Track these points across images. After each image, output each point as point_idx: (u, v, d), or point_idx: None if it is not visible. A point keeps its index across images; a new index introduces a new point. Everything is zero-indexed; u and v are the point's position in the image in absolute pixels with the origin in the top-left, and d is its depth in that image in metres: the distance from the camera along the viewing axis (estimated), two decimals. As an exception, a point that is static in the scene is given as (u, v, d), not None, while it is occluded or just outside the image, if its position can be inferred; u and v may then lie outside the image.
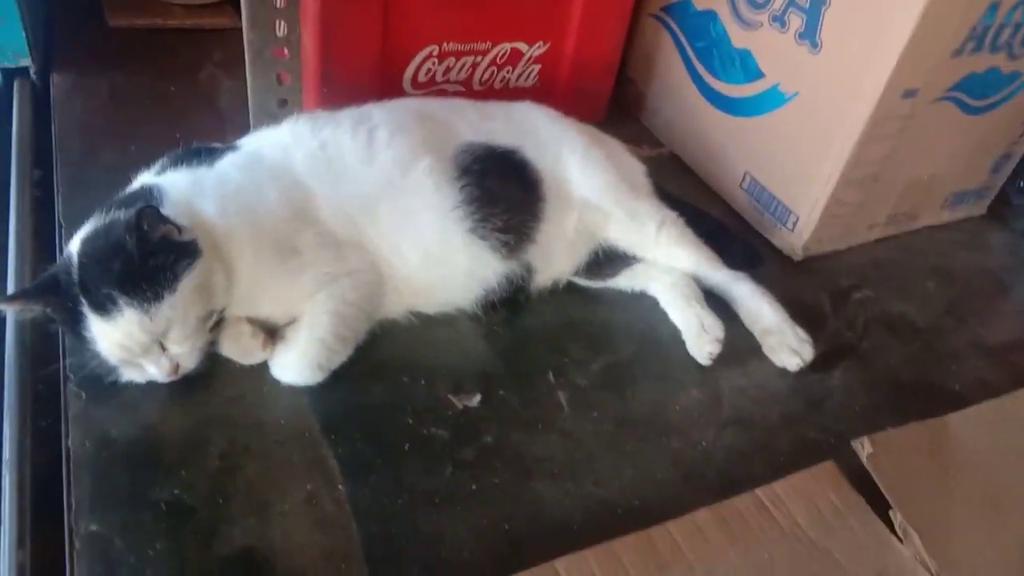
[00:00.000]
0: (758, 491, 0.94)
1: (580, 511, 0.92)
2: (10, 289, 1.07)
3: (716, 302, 1.17)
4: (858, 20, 1.15)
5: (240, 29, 1.62)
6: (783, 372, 1.13)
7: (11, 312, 0.94)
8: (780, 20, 1.26)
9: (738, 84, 1.37)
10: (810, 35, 1.22)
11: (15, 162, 1.23)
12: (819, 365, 1.13)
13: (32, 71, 1.42)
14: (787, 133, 1.30)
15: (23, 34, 1.36)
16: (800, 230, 1.31)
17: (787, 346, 1.13)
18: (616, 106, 1.60)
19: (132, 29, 1.59)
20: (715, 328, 1.11)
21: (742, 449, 1.03)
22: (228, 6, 1.69)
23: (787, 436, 1.06)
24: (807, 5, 1.21)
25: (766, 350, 1.15)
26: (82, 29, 1.57)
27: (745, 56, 1.34)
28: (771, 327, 1.15)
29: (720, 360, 1.11)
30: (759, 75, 1.32)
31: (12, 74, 1.42)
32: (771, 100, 1.31)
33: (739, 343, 1.14)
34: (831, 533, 0.91)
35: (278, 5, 1.13)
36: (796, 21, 1.24)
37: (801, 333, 1.14)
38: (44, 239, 1.15)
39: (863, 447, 0.98)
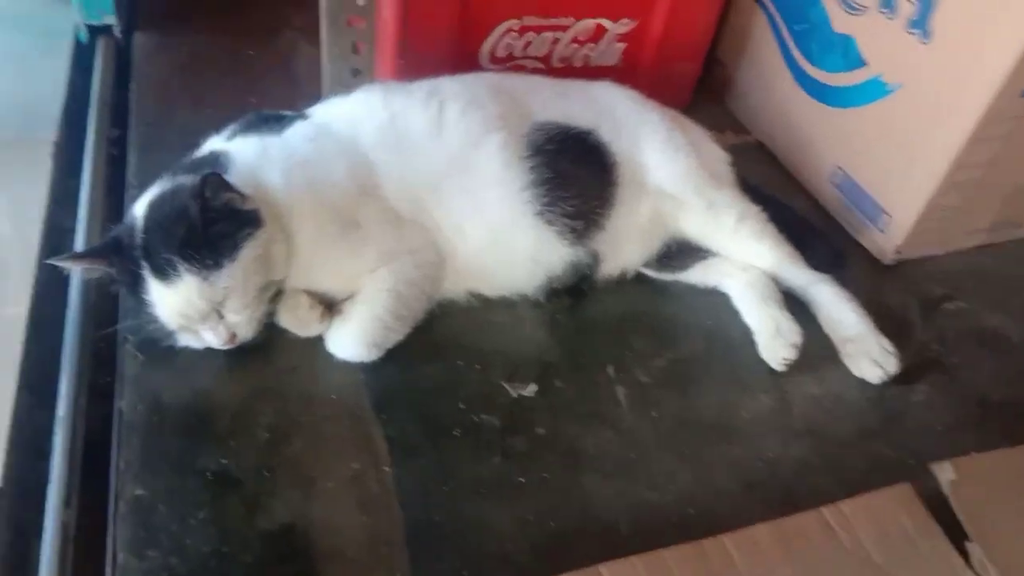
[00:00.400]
0: (824, 509, 0.88)
1: (630, 514, 0.88)
2: (79, 245, 1.09)
3: (793, 303, 1.10)
4: (977, 11, 1.05)
5: (322, -5, 1.63)
6: (862, 383, 1.05)
7: (76, 270, 0.96)
8: (889, 5, 1.16)
9: (836, 72, 1.27)
10: (922, 24, 1.12)
11: (93, 119, 1.25)
12: (902, 378, 1.05)
13: (117, 30, 1.44)
14: (887, 127, 1.20)
15: (109, -8, 1.38)
16: (893, 231, 1.22)
17: (869, 356, 1.05)
18: (700, 88, 1.51)
19: (216, -8, 1.60)
20: (792, 332, 1.04)
21: (811, 462, 0.97)
22: (312, -29, 1.68)
23: (861, 452, 0.99)
24: (921, -11, 1.11)
25: (845, 358, 1.07)
26: (168, -10, 1.59)
27: (847, 42, 1.24)
28: (853, 334, 1.07)
29: (793, 366, 1.04)
30: (861, 63, 1.23)
31: (97, 32, 1.44)
32: (872, 91, 1.22)
33: (815, 349, 1.07)
34: (901, 560, 0.84)
35: (355, -29, 1.10)
36: (907, 8, 1.14)
37: (886, 343, 1.06)
38: (116, 197, 1.16)
39: (944, 471, 0.91)
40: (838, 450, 0.98)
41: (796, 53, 1.36)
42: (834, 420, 1.01)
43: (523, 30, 1.29)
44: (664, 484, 0.91)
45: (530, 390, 0.99)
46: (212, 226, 0.87)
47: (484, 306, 1.08)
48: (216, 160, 0.96)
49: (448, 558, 0.82)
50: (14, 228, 1.07)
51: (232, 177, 0.91)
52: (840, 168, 1.30)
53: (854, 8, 1.23)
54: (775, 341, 1.05)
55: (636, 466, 0.93)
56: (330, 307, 1.00)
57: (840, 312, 1.09)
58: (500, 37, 1.29)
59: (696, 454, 0.95)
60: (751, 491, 0.93)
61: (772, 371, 1.05)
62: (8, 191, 1.12)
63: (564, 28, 1.31)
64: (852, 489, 0.90)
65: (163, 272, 0.86)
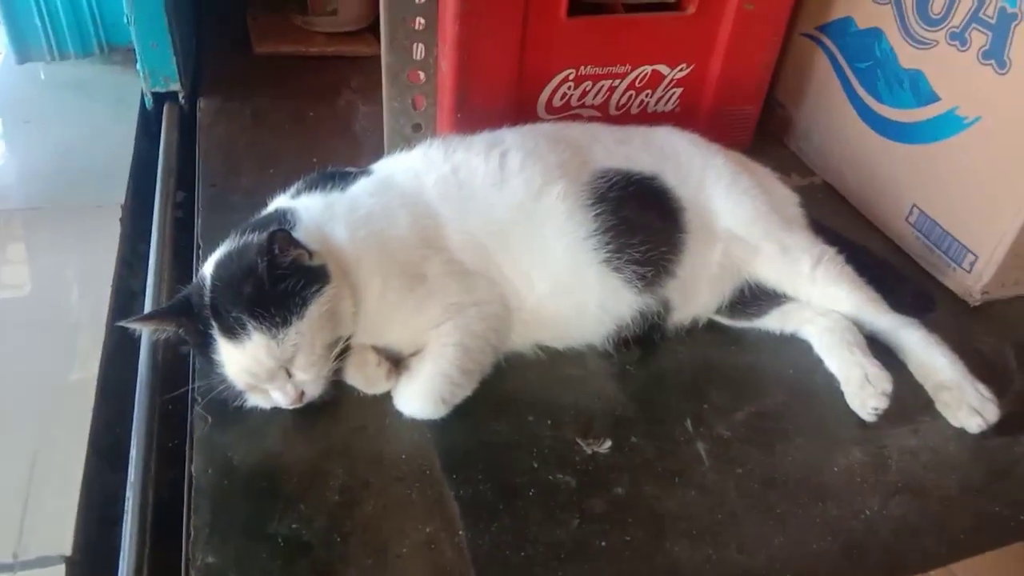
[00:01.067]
0: (934, 573, 0.81)
1: (722, 580, 0.82)
2: (147, 306, 1.09)
3: (878, 350, 1.05)
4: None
5: (378, 57, 1.66)
6: (961, 434, 0.99)
7: (146, 332, 0.95)
8: (960, 38, 1.13)
9: (907, 109, 1.24)
10: (996, 54, 1.08)
11: (160, 183, 1.27)
12: (1004, 428, 0.98)
13: (181, 96, 1.48)
14: (966, 162, 1.15)
15: (174, 60, 1.42)
16: (979, 271, 1.16)
17: (967, 404, 0.99)
18: (761, 131, 1.49)
19: (276, 56, 1.64)
20: (881, 380, 0.99)
21: (913, 522, 0.90)
22: (368, 34, 1.72)
23: (967, 509, 0.92)
24: (994, 21, 1.07)
25: (940, 407, 1.01)
26: (229, 56, 1.64)
27: (916, 78, 1.21)
28: (947, 381, 1.01)
29: (886, 417, 0.98)
30: (933, 98, 1.19)
31: (162, 98, 1.48)
32: (947, 126, 1.17)
33: (907, 398, 1.01)
34: (1025, 630, 0.77)
35: (417, 28, 1.11)
36: (980, 39, 1.10)
37: (983, 390, 0.99)
38: (183, 259, 1.17)
39: (1065, 530, 0.83)
40: (942, 508, 0.92)
41: (861, 91, 1.33)
42: (934, 475, 0.95)
43: (579, 79, 1.28)
44: (755, 548, 0.86)
45: (605, 447, 0.95)
46: (280, 283, 0.86)
47: (552, 359, 1.04)
48: (283, 217, 0.96)
49: (528, 629, 0.77)
50: (84, 292, 1.07)
51: (299, 233, 0.91)
52: (917, 206, 1.25)
53: (922, 43, 1.19)
54: (864, 390, 0.99)
55: (724, 528, 0.87)
56: (397, 363, 0.98)
57: (931, 357, 1.03)
58: (557, 87, 1.28)
59: (788, 514, 0.89)
60: (850, 554, 0.86)
61: (862, 423, 0.99)
62: (78, 256, 1.13)
63: (621, 76, 1.30)
64: (959, 550, 0.85)
65: (232, 331, 0.85)
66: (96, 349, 0.99)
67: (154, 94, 1.46)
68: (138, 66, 1.42)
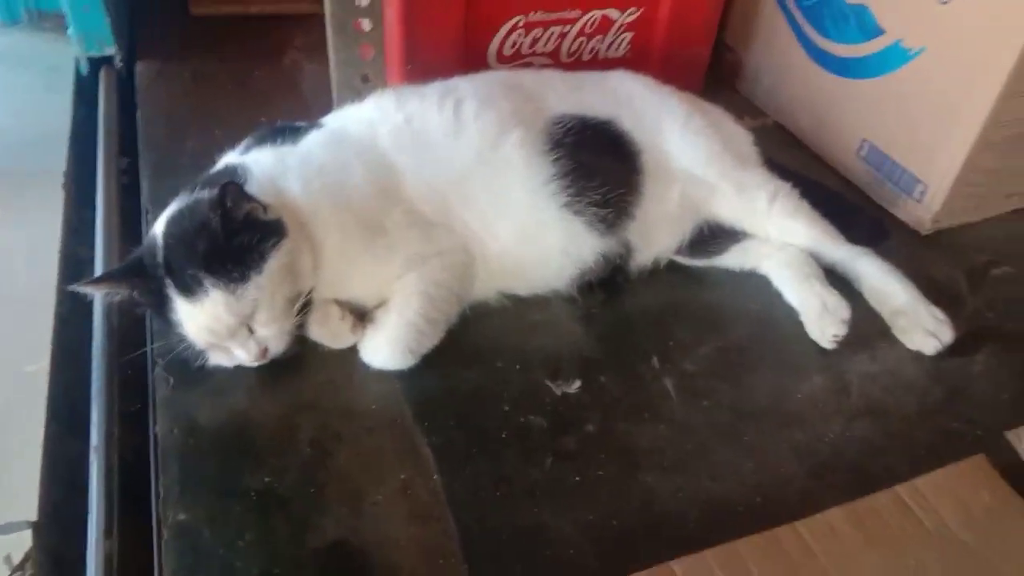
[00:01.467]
0: (898, 488, 0.84)
1: (696, 508, 0.84)
2: (97, 271, 1.06)
3: (835, 281, 1.07)
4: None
5: (321, 15, 1.61)
6: (918, 357, 1.01)
7: (98, 295, 0.92)
8: (903, -31, 1.14)
9: (853, 44, 1.25)
10: (939, -17, 1.10)
11: (102, 150, 1.23)
12: (958, 349, 1.01)
13: (117, 60, 1.42)
14: (912, 94, 1.17)
15: (108, 23, 1.36)
16: (929, 201, 1.19)
17: (922, 327, 1.01)
18: (711, 76, 1.49)
19: (214, 17, 1.59)
20: (840, 308, 1.01)
21: (875, 442, 0.92)
22: (309, -9, 1.67)
23: (926, 427, 0.95)
24: (936, -51, 1.09)
25: (897, 332, 1.03)
26: (165, 18, 1.58)
27: (861, 12, 1.22)
28: (903, 307, 1.03)
29: (845, 344, 1.00)
30: (878, 32, 1.20)
31: (98, 63, 1.42)
32: (893, 59, 1.19)
33: (864, 325, 1.03)
34: (986, 536, 0.80)
35: (361, -28, 1.08)
36: (922, -31, 1.11)
37: (937, 312, 1.02)
38: (131, 226, 1.13)
39: (1020, 439, 0.86)
40: (903, 427, 0.94)
41: (808, 29, 1.34)
42: (894, 397, 0.97)
43: (529, 26, 1.27)
44: (727, 474, 0.87)
45: (575, 387, 0.95)
46: (235, 237, 0.84)
47: (517, 306, 1.04)
48: (233, 173, 0.93)
49: (509, 567, 0.78)
50: (30, 261, 1.03)
51: (252, 188, 0.89)
52: (867, 141, 1.27)
53: (867, -23, 1.20)
54: (823, 319, 1.01)
55: (695, 458, 0.89)
56: (361, 316, 0.96)
57: (886, 284, 1.05)
58: (506, 35, 1.26)
59: (756, 441, 0.91)
60: (818, 475, 0.88)
61: (823, 351, 1.01)
62: (19, 226, 1.09)
63: (571, 21, 1.29)
64: (922, 466, 0.86)
65: (188, 289, 0.83)
66: (46, 315, 0.96)
67: (89, 59, 1.40)
68: (70, 31, 1.36)
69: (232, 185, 0.83)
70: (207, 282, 0.83)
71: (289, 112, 1.34)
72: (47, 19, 1.48)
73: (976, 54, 1.08)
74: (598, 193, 1.02)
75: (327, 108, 1.29)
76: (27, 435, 0.83)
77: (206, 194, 0.87)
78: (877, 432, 0.93)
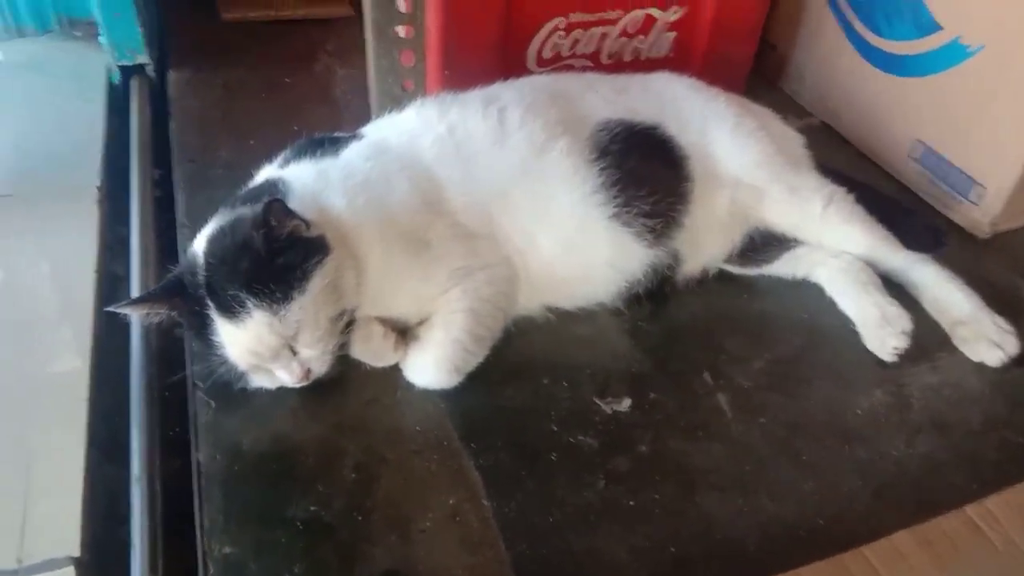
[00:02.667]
0: (967, 508, 0.80)
1: (756, 531, 0.81)
2: (134, 291, 1.04)
3: (891, 289, 1.03)
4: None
5: (353, 18, 1.59)
6: (981, 368, 0.98)
7: (136, 317, 0.90)
8: (961, -38, 1.09)
9: (908, 40, 1.20)
10: (1001, -23, 1.05)
11: (135, 161, 1.21)
12: (1022, 360, 0.97)
13: (149, 68, 1.41)
14: (970, 93, 1.13)
15: (139, 31, 1.34)
16: (988, 203, 1.14)
17: (985, 338, 0.97)
18: (753, 74, 1.44)
19: (245, 22, 1.57)
20: (900, 319, 0.97)
21: (940, 458, 0.89)
22: (340, -6, 1.64)
23: (992, 442, 0.91)
24: (998, -60, 1.04)
25: (958, 343, 0.99)
26: (195, 24, 1.56)
27: (916, 7, 1.17)
28: (964, 316, 0.99)
29: (904, 356, 0.97)
30: (935, 28, 1.15)
31: (130, 72, 1.41)
32: (950, 56, 1.14)
33: (924, 335, 0.99)
34: (1062, 559, 0.76)
35: (401, -23, 1.05)
36: (982, -39, 1.07)
37: (1001, 322, 0.98)
38: (167, 239, 1.11)
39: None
40: (968, 443, 0.91)
41: (859, 26, 1.29)
42: (958, 410, 0.94)
43: (569, 28, 1.23)
44: (786, 495, 0.84)
45: (625, 405, 0.92)
46: (278, 256, 0.81)
47: (562, 320, 1.01)
48: (274, 187, 0.91)
49: (563, 596, 0.75)
50: (64, 280, 1.02)
51: (293, 204, 0.86)
52: (921, 141, 1.22)
53: (922, -29, 1.16)
54: (882, 330, 0.97)
55: (753, 478, 0.85)
56: (404, 334, 0.94)
57: (947, 293, 1.01)
58: (546, 38, 1.23)
59: (815, 459, 0.88)
60: (881, 495, 0.85)
61: (880, 363, 0.98)
62: (54, 243, 1.07)
63: (612, 22, 1.25)
64: (989, 483, 0.83)
65: (230, 310, 0.81)
66: (83, 338, 0.94)
67: (121, 68, 1.38)
68: (102, 39, 1.35)
69: (276, 202, 0.81)
70: (250, 303, 0.80)
71: (323, 119, 1.32)
72: (78, 27, 1.46)
73: (1040, 51, 1.03)
74: (646, 203, 0.98)
75: (361, 113, 1.28)
76: (66, 464, 0.81)
77: (248, 211, 0.84)
78: (941, 448, 0.90)
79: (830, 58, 1.35)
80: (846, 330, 1.01)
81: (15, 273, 1.03)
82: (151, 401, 0.87)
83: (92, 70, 1.38)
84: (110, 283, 1.05)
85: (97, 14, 1.32)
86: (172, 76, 1.40)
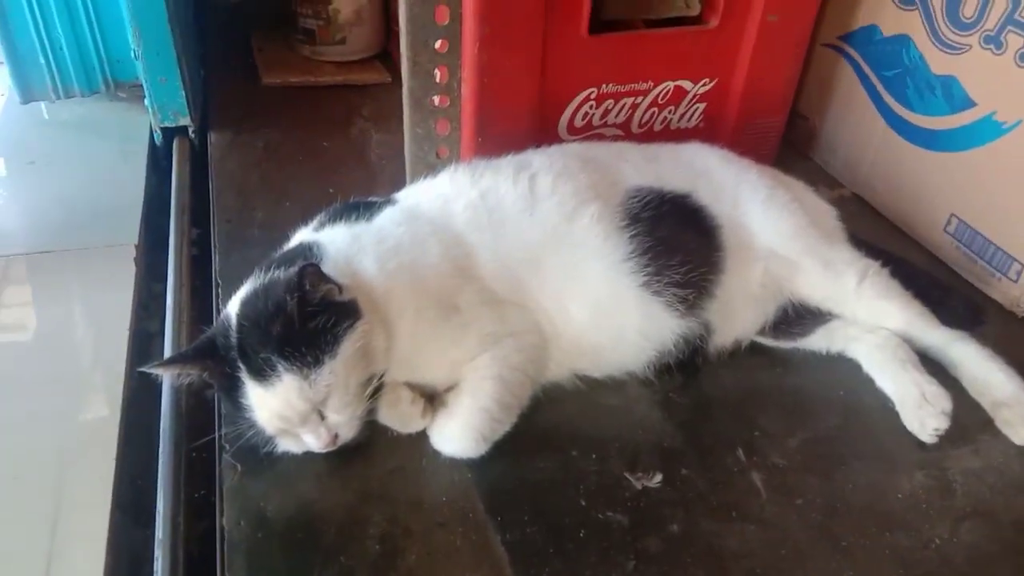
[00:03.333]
0: (1017, 605, 0.77)
1: (793, 622, 0.77)
2: (167, 348, 1.05)
3: (929, 367, 1.00)
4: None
5: (389, 84, 1.63)
6: (1024, 452, 0.94)
7: (167, 377, 0.90)
8: (995, 41, 1.10)
9: (940, 116, 1.20)
10: (1036, 55, 1.05)
11: (174, 221, 1.23)
12: (1067, 444, 0.94)
13: (191, 130, 1.44)
14: (1007, 168, 1.11)
15: (183, 94, 1.38)
16: (1026, 281, 1.12)
17: (1029, 421, 0.94)
18: (784, 145, 1.45)
19: (285, 87, 1.61)
20: (940, 398, 0.94)
21: (986, 549, 0.85)
22: (377, 61, 1.69)
23: (1042, 533, 0.87)
24: (1033, 21, 1.04)
25: (1001, 425, 0.96)
26: (237, 88, 1.61)
27: (949, 84, 1.17)
28: (1007, 398, 0.96)
29: (944, 437, 0.94)
30: (969, 104, 1.15)
31: (172, 133, 1.44)
32: (985, 131, 1.14)
33: (965, 416, 0.96)
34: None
35: (439, 50, 1.07)
36: (1016, 41, 1.07)
37: (1046, 405, 0.95)
38: (201, 297, 1.12)
39: None
40: (1014, 533, 0.87)
41: (889, 100, 1.29)
42: (1002, 497, 0.90)
43: (601, 98, 1.25)
44: (825, 584, 0.80)
45: (656, 481, 0.90)
46: (310, 321, 0.81)
47: (591, 389, 1.00)
48: (309, 251, 0.91)
49: None
50: (98, 336, 1.03)
51: (326, 267, 0.86)
52: (955, 216, 1.21)
53: (954, 48, 1.16)
54: (922, 410, 0.94)
55: (789, 564, 0.82)
56: (431, 399, 0.93)
57: (988, 373, 0.98)
58: (578, 107, 1.25)
59: (854, 546, 0.84)
60: (925, 586, 0.81)
61: (920, 444, 0.95)
62: (90, 299, 1.08)
63: (643, 93, 1.27)
64: (1038, 577, 0.79)
65: (261, 373, 0.81)
66: (113, 396, 0.94)
67: (163, 129, 1.42)
68: (146, 101, 1.39)
69: (311, 267, 0.81)
70: (280, 366, 0.80)
71: (358, 182, 1.34)
72: (123, 89, 1.51)
73: (1079, 129, 1.02)
74: (678, 272, 0.98)
75: (396, 177, 1.30)
76: (90, 526, 0.80)
77: (282, 274, 0.85)
78: (986, 538, 0.86)
79: (861, 131, 1.35)
80: (884, 409, 0.98)
81: (53, 327, 1.05)
82: (178, 463, 0.87)
83: (135, 131, 1.42)
84: (143, 340, 1.06)
85: (143, 78, 1.36)
86: (213, 138, 1.44)
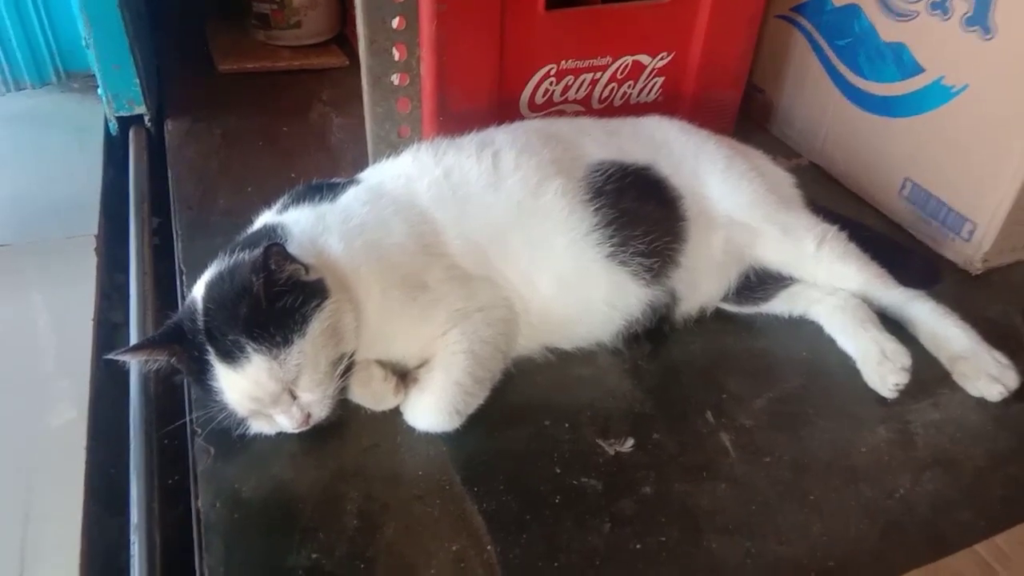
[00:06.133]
0: (978, 547, 0.80)
1: (765, 574, 0.80)
2: (133, 338, 1.04)
3: (888, 325, 1.03)
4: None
5: (347, 68, 1.62)
6: (982, 403, 0.97)
7: (135, 363, 0.90)
8: (941, 7, 1.12)
9: (891, 82, 1.23)
10: (980, 20, 1.08)
11: (133, 210, 1.21)
12: (1023, 393, 0.97)
13: (147, 119, 1.42)
14: (957, 131, 1.15)
15: (138, 82, 1.36)
16: (979, 239, 1.15)
17: (985, 373, 0.97)
18: (741, 117, 1.47)
19: (241, 73, 1.59)
20: (900, 355, 0.97)
21: (948, 496, 0.88)
22: (334, 45, 1.67)
23: (999, 479, 0.90)
24: (977, -15, 1.07)
25: (958, 378, 0.99)
26: (192, 75, 1.58)
27: (899, 50, 1.20)
28: (963, 351, 0.99)
29: (905, 392, 0.96)
30: (918, 70, 1.18)
31: (127, 122, 1.42)
32: (934, 96, 1.17)
33: (924, 371, 0.99)
34: (1076, 595, 0.75)
35: (396, 27, 1.07)
36: (962, 6, 1.10)
37: (1000, 357, 0.98)
38: (165, 286, 1.11)
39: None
40: (974, 479, 0.90)
41: (842, 68, 1.32)
42: (961, 447, 0.93)
43: (561, 74, 1.26)
44: (795, 537, 0.83)
45: (628, 446, 0.91)
46: (277, 301, 0.81)
47: (562, 360, 1.01)
48: (273, 232, 0.91)
49: (573, 643, 0.73)
50: (62, 328, 1.01)
51: (292, 248, 0.86)
52: (909, 179, 1.24)
53: (902, 15, 1.19)
54: (882, 367, 0.97)
55: (760, 520, 0.84)
56: (403, 376, 0.93)
57: (944, 329, 1.01)
58: (538, 83, 1.25)
59: (822, 500, 0.87)
60: (890, 534, 0.84)
61: (882, 400, 0.97)
62: (51, 291, 1.07)
63: (602, 68, 1.28)
64: (997, 520, 0.83)
65: (230, 355, 0.80)
66: (80, 387, 0.93)
67: (119, 119, 1.40)
68: (100, 91, 1.36)
69: (275, 247, 0.81)
70: (249, 347, 0.80)
71: (319, 166, 1.34)
72: (75, 79, 1.48)
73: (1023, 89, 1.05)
74: (642, 242, 0.99)
75: (357, 160, 1.29)
76: (65, 516, 0.79)
77: (247, 256, 0.84)
78: (948, 486, 0.89)
79: (816, 100, 1.38)
80: (846, 368, 1.01)
81: (14, 321, 1.03)
82: (150, 449, 0.86)
83: (90, 121, 1.39)
84: (108, 331, 1.05)
85: (95, 67, 1.33)
86: (169, 126, 1.41)
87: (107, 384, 0.96)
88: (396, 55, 1.10)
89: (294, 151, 1.38)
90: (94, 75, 1.37)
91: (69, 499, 0.81)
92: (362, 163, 1.26)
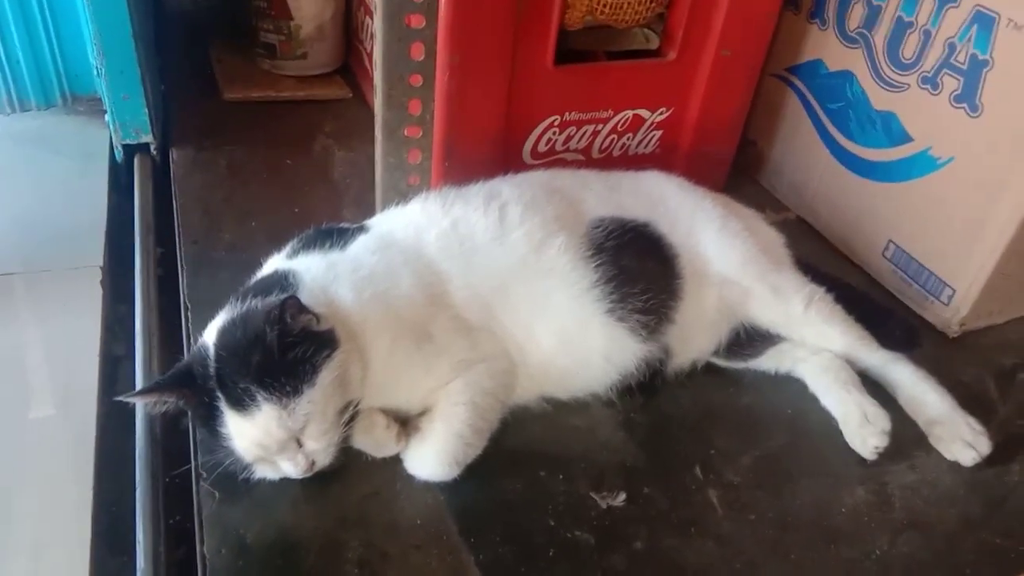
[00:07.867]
0: (949, 612, 0.84)
1: (748, 631, 0.83)
2: (137, 372, 1.05)
3: (868, 385, 1.07)
4: (1024, 81, 1.06)
5: (350, 100, 1.65)
6: (956, 467, 1.02)
7: (141, 405, 0.91)
8: (932, 82, 1.18)
9: (880, 148, 1.28)
10: (968, 98, 1.13)
11: (139, 242, 1.22)
12: (994, 458, 1.01)
13: (152, 147, 1.43)
14: (941, 200, 1.20)
15: (146, 112, 1.37)
16: (957, 304, 1.20)
17: (960, 438, 1.02)
18: (733, 168, 1.52)
19: (246, 102, 1.61)
20: (880, 418, 1.01)
21: (921, 558, 0.92)
22: (338, 76, 1.70)
23: (970, 542, 0.95)
24: (966, 67, 1.12)
25: (934, 441, 1.04)
26: (197, 103, 1.60)
27: (888, 119, 1.25)
28: (939, 416, 1.04)
29: (883, 453, 1.00)
30: (906, 139, 1.23)
31: (133, 150, 1.43)
32: (921, 165, 1.22)
33: (902, 433, 1.03)
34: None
35: (413, 83, 1.10)
36: (951, 83, 1.15)
37: (974, 423, 1.03)
38: (168, 320, 1.12)
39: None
40: (946, 543, 0.94)
41: (833, 130, 1.37)
42: (935, 510, 0.97)
43: (564, 125, 1.29)
44: (778, 595, 0.86)
45: (620, 500, 0.94)
46: (289, 351, 0.83)
47: (557, 410, 1.04)
48: (284, 279, 0.93)
49: None
50: (67, 361, 1.02)
51: (303, 296, 0.89)
52: (893, 242, 1.29)
53: (894, 86, 1.24)
54: (863, 429, 1.01)
55: (744, 577, 0.88)
56: (404, 424, 0.96)
57: (922, 393, 1.06)
58: (542, 133, 1.29)
59: (803, 559, 0.90)
60: (867, 595, 0.88)
61: (862, 460, 1.01)
62: (58, 320, 1.07)
63: (604, 121, 1.32)
64: (968, 584, 0.86)
65: (240, 402, 0.82)
66: (85, 424, 0.94)
67: (124, 146, 1.41)
68: (108, 118, 1.37)
69: (291, 299, 0.83)
70: (260, 396, 0.82)
71: (322, 202, 1.36)
72: (81, 103, 1.48)
73: (1006, 166, 1.10)
74: (640, 299, 1.03)
75: (360, 196, 1.33)
76: (71, 557, 0.81)
77: (259, 304, 0.87)
78: (922, 548, 0.93)
79: (806, 158, 1.43)
80: (829, 427, 1.05)
81: (16, 352, 1.03)
82: (155, 492, 0.87)
83: (95, 146, 1.40)
84: (111, 364, 1.06)
85: (105, 95, 1.34)
86: (175, 155, 1.43)
87: (112, 421, 0.97)
88: (411, 109, 1.13)
89: (297, 184, 1.40)
90: (100, 99, 1.38)
91: (76, 537, 0.82)
92: (364, 198, 1.29)
